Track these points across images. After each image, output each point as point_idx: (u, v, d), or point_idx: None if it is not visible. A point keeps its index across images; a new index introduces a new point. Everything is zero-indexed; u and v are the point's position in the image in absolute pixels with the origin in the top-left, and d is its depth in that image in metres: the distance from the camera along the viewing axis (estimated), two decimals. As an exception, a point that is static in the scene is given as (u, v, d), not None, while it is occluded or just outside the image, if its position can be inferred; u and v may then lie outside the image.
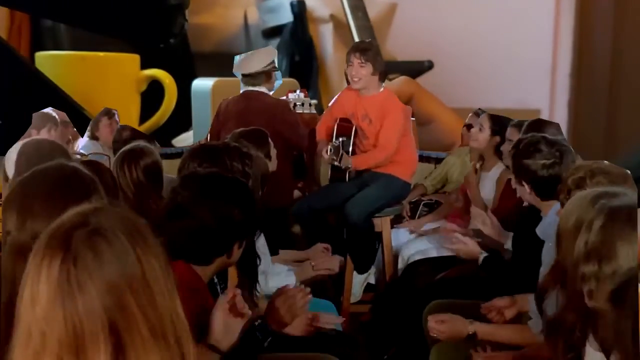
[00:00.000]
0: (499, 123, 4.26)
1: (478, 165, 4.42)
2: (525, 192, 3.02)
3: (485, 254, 3.43)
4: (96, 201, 1.73)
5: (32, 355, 1.17)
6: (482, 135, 4.33)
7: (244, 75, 4.85)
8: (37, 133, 4.93)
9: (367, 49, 4.52)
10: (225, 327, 1.98)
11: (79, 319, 1.16)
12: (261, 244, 3.30)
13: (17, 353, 1.19)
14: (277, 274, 3.31)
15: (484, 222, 3.60)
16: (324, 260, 3.70)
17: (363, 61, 4.48)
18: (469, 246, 3.47)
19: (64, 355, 1.16)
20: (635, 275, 1.66)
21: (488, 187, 4.27)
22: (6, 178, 3.54)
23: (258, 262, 2.86)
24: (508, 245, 3.52)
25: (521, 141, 3.06)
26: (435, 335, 2.89)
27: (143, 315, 1.19)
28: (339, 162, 4.54)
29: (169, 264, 1.28)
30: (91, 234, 1.20)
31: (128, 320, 1.18)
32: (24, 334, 1.18)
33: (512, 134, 3.87)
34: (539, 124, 3.65)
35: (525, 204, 3.23)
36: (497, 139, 4.23)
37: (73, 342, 1.16)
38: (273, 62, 4.89)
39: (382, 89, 4.62)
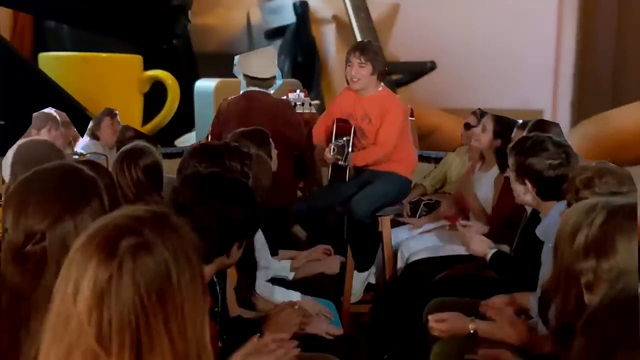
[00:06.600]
0: (502, 125, 4.21)
1: (478, 165, 4.41)
2: (523, 192, 2.98)
3: (494, 251, 3.39)
4: (156, 204, 1.71)
5: (67, 346, 1.17)
6: (484, 137, 4.29)
7: (253, 78, 4.83)
8: (37, 133, 4.92)
9: (366, 48, 4.52)
10: None
11: (109, 326, 1.15)
12: (260, 241, 3.31)
13: (49, 341, 1.19)
14: (284, 290, 3.33)
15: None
16: (324, 262, 3.72)
17: (363, 61, 4.48)
18: (483, 243, 3.39)
19: (93, 354, 1.16)
20: (633, 289, 1.64)
21: (486, 188, 4.25)
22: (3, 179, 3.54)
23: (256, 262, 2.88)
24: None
25: (526, 139, 3.02)
26: (436, 334, 2.88)
27: (170, 341, 1.17)
28: (344, 161, 4.53)
29: (207, 293, 1.25)
30: (139, 246, 1.19)
31: (153, 343, 1.16)
32: (61, 325, 1.18)
33: (518, 136, 3.83)
34: (543, 125, 3.64)
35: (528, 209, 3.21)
36: (499, 142, 4.19)
37: (101, 347, 1.15)
38: None
39: (380, 88, 4.62)
